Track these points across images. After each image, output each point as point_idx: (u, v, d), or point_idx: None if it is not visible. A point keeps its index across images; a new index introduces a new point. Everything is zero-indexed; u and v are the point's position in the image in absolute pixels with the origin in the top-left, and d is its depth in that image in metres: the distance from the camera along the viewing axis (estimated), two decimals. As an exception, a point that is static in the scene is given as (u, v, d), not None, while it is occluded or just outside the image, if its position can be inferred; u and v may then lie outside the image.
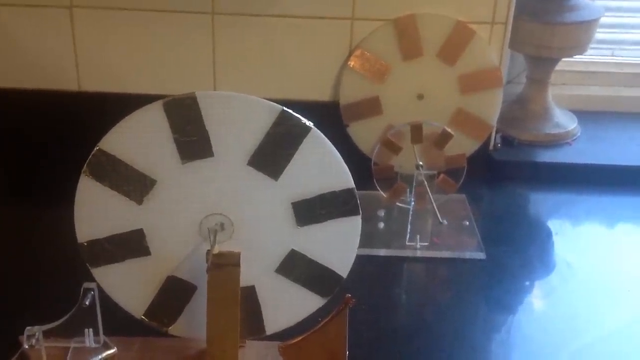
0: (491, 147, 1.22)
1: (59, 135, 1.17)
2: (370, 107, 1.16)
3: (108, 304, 0.78)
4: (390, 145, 1.03)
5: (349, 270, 0.77)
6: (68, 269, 0.93)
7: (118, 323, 0.80)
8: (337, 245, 0.76)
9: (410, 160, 1.04)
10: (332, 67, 1.17)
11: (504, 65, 1.18)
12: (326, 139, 0.72)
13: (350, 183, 0.73)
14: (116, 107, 1.15)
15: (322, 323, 0.76)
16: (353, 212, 0.74)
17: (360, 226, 0.75)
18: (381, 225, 1.07)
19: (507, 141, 1.25)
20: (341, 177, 0.73)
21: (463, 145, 1.11)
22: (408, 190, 1.06)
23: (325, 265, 0.76)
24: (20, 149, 1.19)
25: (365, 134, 1.17)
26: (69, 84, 1.18)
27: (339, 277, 0.77)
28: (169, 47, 1.16)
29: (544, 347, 0.87)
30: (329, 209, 0.74)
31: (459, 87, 1.15)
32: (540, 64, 1.25)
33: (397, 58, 1.14)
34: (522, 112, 1.28)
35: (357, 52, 1.15)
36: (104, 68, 1.17)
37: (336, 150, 0.72)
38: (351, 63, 1.16)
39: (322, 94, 1.19)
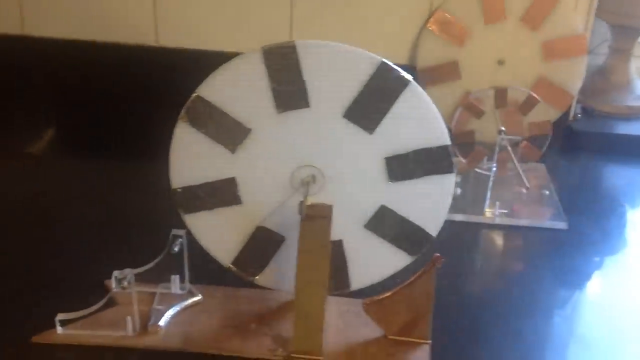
0: (571, 117, 1.19)
1: (135, 88, 1.18)
2: (448, 72, 1.14)
3: (193, 252, 0.79)
4: (473, 109, 1.01)
5: (439, 229, 0.76)
6: (153, 220, 0.94)
7: (200, 272, 0.81)
8: (429, 203, 0.75)
9: (489, 127, 1.02)
10: (410, 29, 1.15)
11: (588, 32, 1.15)
12: (425, 93, 0.70)
13: (447, 140, 0.72)
14: (192, 62, 1.17)
15: (408, 281, 0.76)
16: (447, 169, 0.73)
17: (453, 185, 0.74)
18: (458, 190, 1.05)
19: (586, 112, 1.22)
20: (438, 133, 0.72)
21: (542, 114, 1.09)
22: (486, 157, 1.04)
23: (416, 223, 0.76)
24: (98, 102, 1.21)
25: (442, 98, 1.14)
26: (147, 38, 1.19)
27: (429, 235, 0.76)
28: (247, 3, 1.16)
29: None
30: (423, 165, 0.73)
31: (541, 54, 1.12)
32: (625, 34, 1.21)
33: (479, 21, 1.12)
34: (603, 82, 1.25)
35: (438, 15, 1.13)
36: (182, 23, 1.18)
37: (434, 106, 0.71)
38: (431, 26, 1.14)
39: (399, 57, 1.17)
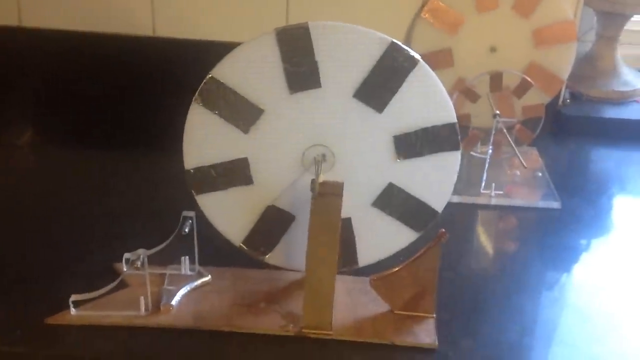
0: (560, 102, 1.23)
1: (132, 79, 1.19)
2: (441, 59, 1.17)
3: (202, 233, 0.80)
4: (469, 94, 1.04)
5: (445, 205, 0.79)
6: (156, 207, 0.96)
7: (210, 254, 0.82)
8: (435, 180, 0.77)
9: (482, 111, 1.05)
10: (404, 18, 1.18)
11: (577, 20, 1.18)
12: (432, 72, 0.73)
13: (453, 118, 0.74)
14: (189, 53, 1.18)
15: (414, 257, 0.78)
16: (453, 147, 0.76)
17: (459, 162, 0.77)
18: (454, 173, 1.08)
19: (575, 97, 1.25)
20: (445, 111, 0.74)
21: (533, 99, 1.11)
22: (480, 140, 1.07)
23: (422, 199, 0.78)
24: (96, 93, 1.21)
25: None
26: (144, 29, 1.20)
27: (435, 211, 0.79)
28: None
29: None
30: (430, 143, 0.75)
31: (532, 41, 1.15)
32: (612, 20, 1.24)
33: (472, 10, 1.15)
34: (590, 69, 1.28)
35: (432, 3, 1.15)
36: (179, 14, 1.18)
37: (442, 85, 0.73)
38: (425, 14, 1.16)
39: (394, 44, 1.19)
